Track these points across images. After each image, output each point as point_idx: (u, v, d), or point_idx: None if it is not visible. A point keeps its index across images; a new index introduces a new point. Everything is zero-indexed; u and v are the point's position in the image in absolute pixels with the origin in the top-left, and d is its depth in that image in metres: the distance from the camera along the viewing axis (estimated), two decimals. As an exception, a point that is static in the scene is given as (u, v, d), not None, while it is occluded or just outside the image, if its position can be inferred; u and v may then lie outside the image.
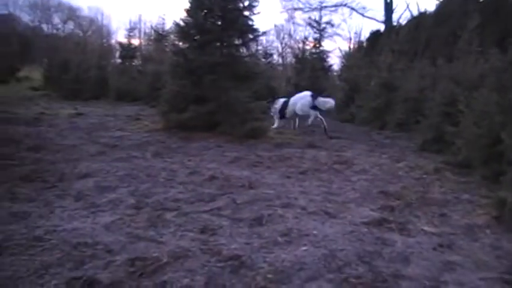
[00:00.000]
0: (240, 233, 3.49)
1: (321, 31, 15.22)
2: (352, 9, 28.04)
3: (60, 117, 10.07)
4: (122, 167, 5.46)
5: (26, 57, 24.44)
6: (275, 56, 23.80)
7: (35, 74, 20.40)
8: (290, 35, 33.42)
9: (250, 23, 8.58)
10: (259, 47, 16.80)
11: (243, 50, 8.98)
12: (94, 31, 39.27)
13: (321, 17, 15.73)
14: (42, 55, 21.48)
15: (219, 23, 8.50)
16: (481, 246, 3.48)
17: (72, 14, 42.75)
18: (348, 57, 15.63)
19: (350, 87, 12.57)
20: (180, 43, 9.09)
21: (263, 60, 17.21)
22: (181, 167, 5.62)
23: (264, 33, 10.02)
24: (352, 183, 5.24)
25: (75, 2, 65.26)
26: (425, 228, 3.81)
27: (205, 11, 8.46)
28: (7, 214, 3.67)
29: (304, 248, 3.23)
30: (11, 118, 9.11)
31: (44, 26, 41.48)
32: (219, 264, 2.92)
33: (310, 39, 15.49)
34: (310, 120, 9.50)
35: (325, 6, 25.03)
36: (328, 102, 9.49)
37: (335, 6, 27.37)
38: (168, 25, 17.78)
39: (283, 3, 31.62)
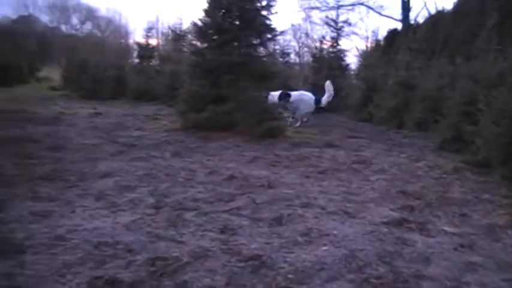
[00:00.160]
0: (260, 233, 3.50)
1: (338, 30, 15.08)
2: (369, 7, 27.79)
3: (79, 116, 10.18)
4: (141, 166, 5.51)
5: (46, 58, 24.76)
6: (292, 56, 23.65)
7: (54, 74, 20.61)
8: (307, 34, 33.16)
9: (267, 22, 8.57)
10: (277, 47, 16.69)
11: (261, 50, 8.96)
12: (112, 31, 39.82)
13: (338, 15, 15.53)
14: (61, 55, 21.70)
15: (237, 22, 8.51)
16: (502, 246, 3.44)
17: (90, 14, 43.33)
18: (366, 56, 15.48)
19: (368, 86, 12.44)
20: (198, 43, 9.11)
21: (280, 59, 17.12)
22: (200, 167, 5.64)
23: (282, 32, 10.00)
24: (371, 183, 5.21)
25: (93, 3, 66.08)
26: (446, 228, 3.78)
27: (223, 11, 8.47)
28: (29, 213, 3.73)
29: (324, 248, 3.23)
30: (31, 118, 9.24)
31: (63, 27, 42.15)
32: (239, 264, 2.93)
33: (328, 38, 15.32)
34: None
35: (342, 5, 24.69)
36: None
37: (352, 5, 27.11)
38: (186, 25, 17.80)
39: (300, 2, 31.33)
